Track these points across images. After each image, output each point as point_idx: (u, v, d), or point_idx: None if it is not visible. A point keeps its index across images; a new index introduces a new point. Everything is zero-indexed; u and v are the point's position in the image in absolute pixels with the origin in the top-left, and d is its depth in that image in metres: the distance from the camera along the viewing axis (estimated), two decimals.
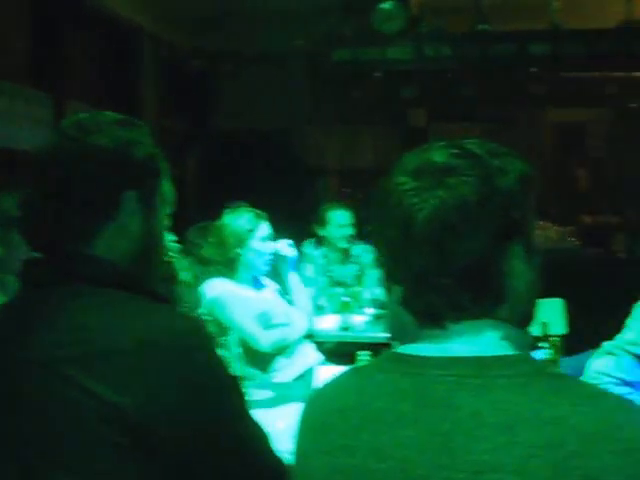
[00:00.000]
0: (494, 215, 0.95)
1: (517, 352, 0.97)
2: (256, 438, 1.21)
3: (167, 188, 1.31)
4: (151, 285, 1.25)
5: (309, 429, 1.06)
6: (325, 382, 1.12)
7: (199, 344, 1.15)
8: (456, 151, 0.99)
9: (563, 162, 8.63)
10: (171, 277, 2.70)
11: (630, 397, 1.86)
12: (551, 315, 4.38)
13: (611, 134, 8.83)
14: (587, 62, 5.68)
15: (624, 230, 6.36)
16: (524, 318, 1.03)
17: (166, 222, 1.32)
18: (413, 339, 1.01)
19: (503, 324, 0.98)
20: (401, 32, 5.80)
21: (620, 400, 0.96)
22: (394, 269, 1.01)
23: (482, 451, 0.88)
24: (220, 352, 1.21)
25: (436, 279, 0.95)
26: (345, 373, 1.10)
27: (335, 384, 1.09)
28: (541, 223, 5.90)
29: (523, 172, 1.00)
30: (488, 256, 0.95)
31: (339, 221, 4.68)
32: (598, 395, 0.95)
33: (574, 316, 4.57)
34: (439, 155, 0.99)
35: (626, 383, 1.89)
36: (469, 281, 0.95)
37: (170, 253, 2.49)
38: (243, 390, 1.23)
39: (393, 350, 1.03)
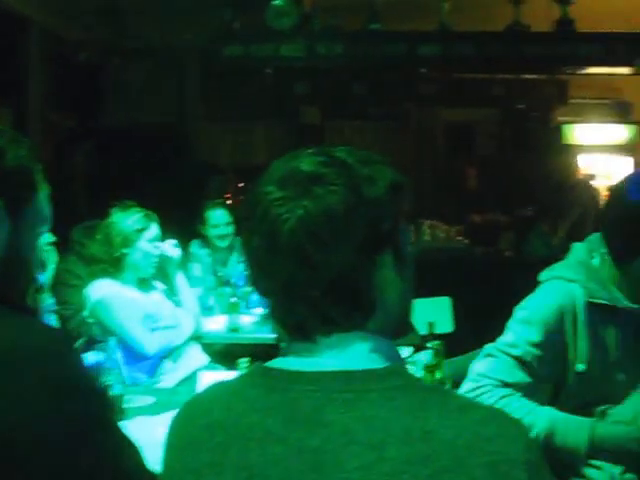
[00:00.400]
0: (362, 226, 0.93)
1: (388, 365, 0.95)
2: (120, 452, 1.16)
3: (43, 203, 1.25)
4: (16, 296, 1.19)
5: (175, 446, 1.02)
6: (193, 396, 1.08)
7: (57, 355, 1.09)
8: (324, 159, 0.96)
9: (453, 161, 8.79)
10: (40, 288, 2.59)
11: (511, 398, 1.89)
12: (438, 314, 4.46)
13: (500, 134, 9.06)
14: (476, 63, 5.78)
15: (512, 229, 6.51)
16: (396, 329, 1.01)
17: (40, 237, 1.26)
18: (284, 352, 0.98)
19: (374, 336, 0.96)
20: (294, 29, 5.77)
21: (490, 411, 0.95)
22: (262, 281, 0.98)
23: (352, 469, 0.86)
24: (98, 358, 1.15)
25: (304, 292, 0.92)
26: (214, 387, 1.06)
27: (203, 399, 1.05)
28: (430, 222, 5.99)
29: (393, 181, 0.99)
30: (357, 268, 0.93)
31: (216, 221, 4.68)
32: (468, 407, 0.93)
33: (462, 315, 4.66)
34: (307, 163, 0.96)
35: (506, 385, 1.91)
36: (338, 293, 0.92)
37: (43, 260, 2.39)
38: (112, 400, 1.18)
39: (263, 364, 1.00)
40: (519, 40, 5.52)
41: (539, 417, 1.86)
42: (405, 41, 5.78)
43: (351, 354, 0.94)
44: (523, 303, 2.04)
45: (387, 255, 0.96)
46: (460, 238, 5.95)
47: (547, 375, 1.98)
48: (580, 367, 1.97)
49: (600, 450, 1.86)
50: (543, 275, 2.09)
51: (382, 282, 0.96)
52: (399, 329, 1.01)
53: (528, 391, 1.93)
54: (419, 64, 6.01)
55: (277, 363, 0.98)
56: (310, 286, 0.92)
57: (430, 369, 1.81)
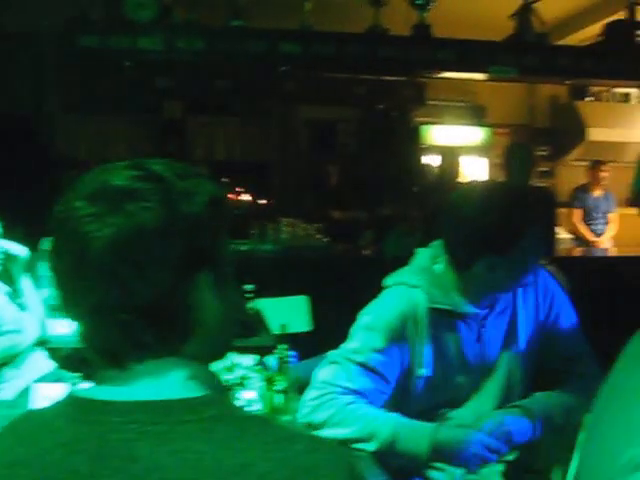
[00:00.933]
0: (177, 244, 0.87)
1: (206, 393, 0.89)
2: None
3: None
4: None
5: None
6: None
7: None
8: (138, 173, 0.89)
9: (315, 158, 8.84)
10: None
11: (355, 405, 1.89)
12: (295, 313, 4.46)
13: (361, 133, 9.19)
14: (336, 63, 5.82)
15: (373, 228, 6.59)
16: (216, 353, 0.97)
17: None
18: (97, 380, 0.91)
19: (191, 362, 0.91)
20: (153, 22, 5.64)
21: (313, 441, 0.91)
22: (70, 303, 0.90)
23: None
24: None
25: (115, 315, 0.86)
26: (21, 418, 0.97)
27: (8, 432, 0.95)
28: (289, 220, 5.98)
29: (213, 195, 0.93)
30: (171, 289, 0.87)
31: None
32: (290, 438, 0.88)
33: (320, 314, 4.67)
34: (119, 177, 0.89)
35: (351, 391, 1.91)
36: (152, 317, 0.86)
37: None
38: None
39: (73, 393, 0.92)
40: (378, 42, 5.60)
41: (382, 424, 1.87)
42: (266, 39, 5.75)
43: (166, 382, 0.89)
44: (366, 309, 2.05)
45: (206, 274, 0.91)
46: (319, 236, 5.96)
47: (391, 381, 2.00)
48: (423, 372, 2.00)
49: (442, 454, 1.88)
50: (387, 280, 2.10)
51: (200, 303, 0.90)
52: (217, 354, 0.96)
53: (373, 397, 1.94)
54: (280, 62, 5.99)
55: (88, 392, 0.91)
56: (121, 309, 0.85)
57: (270, 379, 1.77)
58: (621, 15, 6.08)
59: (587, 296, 5.25)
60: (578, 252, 7.13)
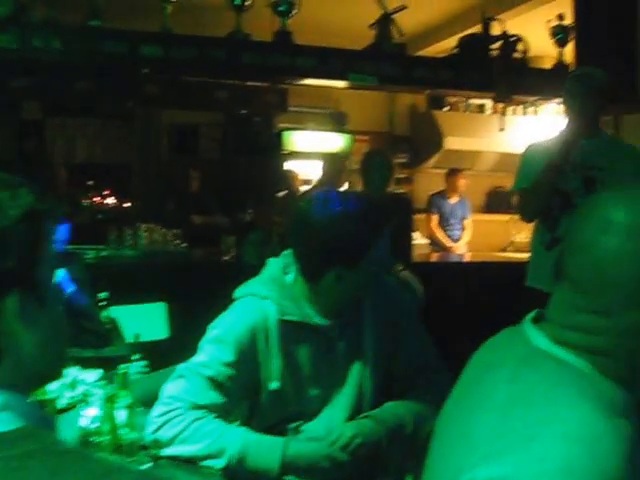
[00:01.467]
0: None
1: (20, 425, 0.82)
2: None
3: None
4: None
5: None
6: None
7: None
8: None
9: (177, 162, 8.73)
10: None
11: (203, 421, 1.84)
12: (152, 320, 4.36)
13: (223, 138, 9.14)
14: (197, 67, 5.73)
15: (233, 233, 6.53)
16: (33, 382, 0.90)
17: None
18: None
19: (4, 391, 0.84)
20: (8, 19, 5.40)
21: (137, 476, 0.86)
22: None
23: None
24: None
25: None
26: None
27: None
28: (147, 225, 5.85)
29: (32, 208, 0.86)
30: None
31: None
32: (106, 474, 0.82)
33: (179, 321, 4.59)
34: None
35: (199, 407, 1.86)
36: None
37: None
38: None
39: None
40: (239, 47, 5.56)
41: (231, 440, 1.83)
42: (126, 40, 5.59)
43: None
44: (215, 321, 2.01)
45: (13, 299, 0.84)
46: (178, 242, 5.86)
47: (241, 394, 1.97)
48: (273, 385, 1.97)
49: (293, 469, 1.86)
50: (237, 292, 2.07)
51: (8, 329, 0.83)
52: (37, 381, 0.90)
53: (222, 412, 1.90)
54: (141, 64, 5.84)
55: None
56: None
57: (112, 396, 1.70)
58: (476, 29, 6.28)
59: (442, 301, 5.44)
60: (435, 257, 7.32)
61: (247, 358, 1.94)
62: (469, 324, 5.07)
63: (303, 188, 7.97)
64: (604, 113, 4.17)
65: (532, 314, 1.21)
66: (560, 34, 6.08)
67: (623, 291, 1.05)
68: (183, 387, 1.88)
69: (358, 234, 1.91)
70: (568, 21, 6.00)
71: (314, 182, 6.50)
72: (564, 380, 1.06)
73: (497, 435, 1.05)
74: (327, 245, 1.91)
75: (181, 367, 1.93)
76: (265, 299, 1.99)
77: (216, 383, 1.88)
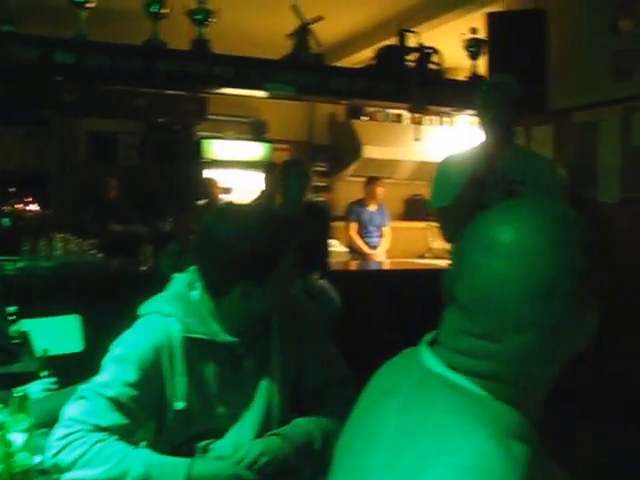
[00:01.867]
0: None
1: None
2: None
3: None
4: None
5: None
6: None
7: None
8: None
9: (95, 171, 8.59)
10: None
11: (105, 443, 1.79)
12: (66, 333, 4.28)
13: (143, 146, 9.05)
14: (113, 75, 5.64)
15: (152, 243, 6.46)
16: None
17: None
18: None
19: None
20: None
21: None
22: None
23: None
24: None
25: None
26: None
27: None
28: (62, 236, 5.74)
29: None
30: None
31: None
32: None
33: (93, 334, 4.51)
34: None
35: (101, 429, 1.81)
36: None
37: None
38: None
39: None
40: (155, 55, 5.51)
41: (134, 462, 1.79)
42: (39, 47, 5.49)
43: None
44: (119, 339, 1.97)
45: None
46: (94, 252, 5.76)
47: (146, 415, 1.93)
48: (179, 405, 1.94)
49: None
50: (141, 309, 2.04)
51: None
52: None
53: (125, 433, 1.85)
54: (54, 71, 5.74)
55: None
56: None
57: (1, 426, 1.63)
58: (393, 41, 6.37)
59: (360, 309, 5.49)
60: (354, 265, 7.38)
61: (151, 377, 1.90)
62: (387, 332, 5.14)
63: (223, 197, 7.95)
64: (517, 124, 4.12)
65: (429, 336, 1.19)
66: (473, 47, 6.22)
67: (509, 315, 1.04)
68: (84, 408, 1.83)
69: (262, 248, 1.89)
70: (481, 35, 6.13)
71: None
72: (457, 406, 1.04)
73: (388, 469, 1.04)
74: (231, 260, 1.89)
75: (82, 388, 1.87)
76: (169, 316, 1.96)
77: (118, 404, 1.84)
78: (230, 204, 2.09)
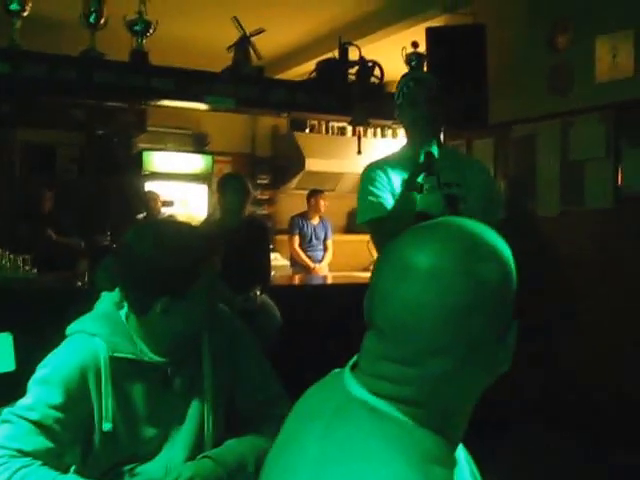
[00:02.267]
0: None
1: None
2: None
3: None
4: None
5: None
6: None
7: None
8: None
9: (32, 183, 8.41)
10: None
11: (29, 469, 1.72)
12: None
13: (81, 158, 8.90)
14: (49, 86, 5.53)
15: (89, 257, 6.34)
16: None
17: None
18: None
19: None
20: None
21: None
22: None
23: None
24: None
25: None
26: None
27: None
28: None
29: None
30: None
31: None
32: None
33: (27, 352, 4.38)
34: None
35: (24, 454, 1.74)
36: None
37: None
38: None
39: None
40: (92, 66, 5.41)
41: None
42: None
43: None
44: (44, 361, 1.90)
45: None
46: (28, 267, 5.61)
47: (73, 438, 1.86)
48: (106, 426, 1.87)
49: None
50: (69, 329, 1.98)
51: None
52: None
53: (51, 458, 1.78)
54: None
55: None
56: None
57: None
58: (334, 54, 6.36)
59: (301, 324, 5.44)
60: (297, 279, 7.35)
61: (77, 399, 1.83)
62: (330, 348, 5.10)
63: (164, 210, 7.86)
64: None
65: (354, 359, 1.17)
66: (414, 61, 6.25)
67: (424, 340, 1.03)
68: (7, 433, 1.76)
69: (178, 263, 1.84)
70: (422, 49, 6.17)
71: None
72: (378, 432, 1.02)
73: None
74: (148, 276, 1.85)
75: (6, 411, 1.80)
76: (94, 336, 1.90)
77: (43, 427, 1.77)
78: (151, 219, 2.05)
